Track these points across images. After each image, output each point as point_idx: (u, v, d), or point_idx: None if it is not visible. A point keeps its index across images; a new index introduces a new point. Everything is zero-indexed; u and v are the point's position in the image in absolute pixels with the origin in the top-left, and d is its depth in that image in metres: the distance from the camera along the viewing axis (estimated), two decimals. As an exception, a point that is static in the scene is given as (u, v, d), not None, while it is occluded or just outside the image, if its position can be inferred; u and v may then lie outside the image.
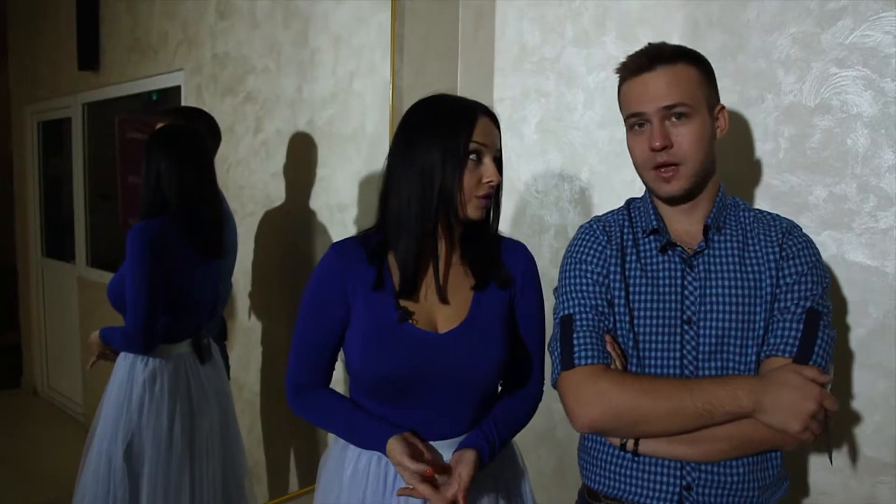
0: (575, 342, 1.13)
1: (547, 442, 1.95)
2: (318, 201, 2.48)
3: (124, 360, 1.92)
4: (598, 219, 1.26)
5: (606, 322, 1.15)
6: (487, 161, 1.17)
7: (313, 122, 2.46)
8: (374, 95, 2.20)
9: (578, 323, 1.14)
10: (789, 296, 1.09)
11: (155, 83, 3.47)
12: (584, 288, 1.17)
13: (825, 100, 1.37)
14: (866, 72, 1.32)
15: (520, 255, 1.31)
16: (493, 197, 1.21)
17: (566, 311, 1.17)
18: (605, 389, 1.08)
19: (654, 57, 1.12)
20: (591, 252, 1.19)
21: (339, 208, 2.37)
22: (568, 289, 1.19)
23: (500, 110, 2.04)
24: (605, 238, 1.20)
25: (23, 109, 5.15)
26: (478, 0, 1.99)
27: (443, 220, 1.19)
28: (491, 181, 1.17)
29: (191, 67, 3.14)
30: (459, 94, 1.96)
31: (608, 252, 1.18)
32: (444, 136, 1.14)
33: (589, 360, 1.11)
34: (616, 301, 1.16)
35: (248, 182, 2.80)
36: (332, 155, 2.40)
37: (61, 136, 4.61)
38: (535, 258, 1.93)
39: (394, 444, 1.14)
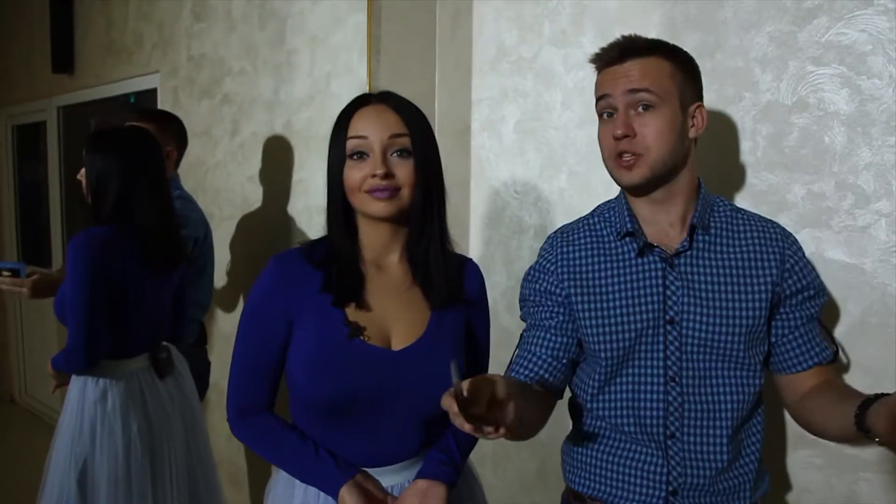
0: (513, 360, 1.25)
1: (529, 444, 1.93)
2: (298, 204, 2.45)
3: (76, 382, 1.83)
4: (561, 231, 1.25)
5: (552, 336, 1.20)
6: (373, 153, 1.10)
7: (291, 124, 2.42)
8: (351, 96, 2.16)
9: (521, 341, 1.25)
10: (812, 303, 1.17)
11: (130, 86, 3.42)
12: (530, 310, 1.24)
13: (802, 98, 1.37)
14: (842, 69, 1.32)
15: (471, 272, 1.28)
16: (420, 193, 1.13)
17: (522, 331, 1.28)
18: None
19: (625, 49, 1.11)
20: (540, 276, 1.22)
21: (319, 211, 2.34)
22: (522, 310, 1.29)
23: (478, 111, 2.02)
24: (561, 254, 1.20)
25: (-4, 113, 5.03)
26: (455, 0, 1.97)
27: (360, 219, 1.17)
28: (376, 174, 1.08)
29: (167, 70, 3.09)
30: (437, 94, 1.95)
31: (562, 268, 1.19)
32: (334, 133, 1.15)
33: (512, 375, 1.23)
34: (584, 309, 1.16)
35: (226, 185, 2.76)
36: (310, 157, 2.37)
37: (36, 140, 4.55)
38: (515, 259, 1.94)
39: (347, 496, 1.08)
